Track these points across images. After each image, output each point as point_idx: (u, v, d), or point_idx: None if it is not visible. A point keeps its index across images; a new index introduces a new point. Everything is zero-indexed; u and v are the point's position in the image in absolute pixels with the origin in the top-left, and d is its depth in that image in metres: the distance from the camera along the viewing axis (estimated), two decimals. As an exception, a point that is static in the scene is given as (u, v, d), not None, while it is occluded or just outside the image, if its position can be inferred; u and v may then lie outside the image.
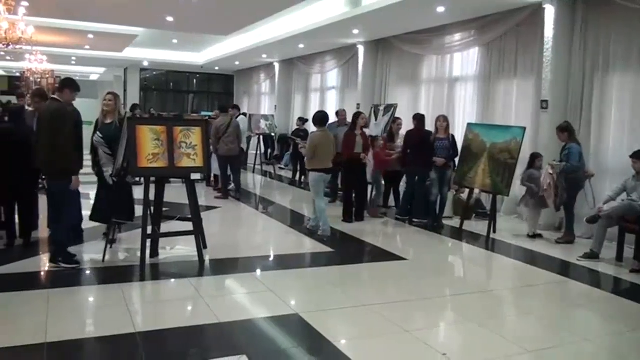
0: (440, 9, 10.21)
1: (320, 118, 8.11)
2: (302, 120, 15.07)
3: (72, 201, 6.19)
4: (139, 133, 5.96)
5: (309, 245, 7.54)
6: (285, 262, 6.86)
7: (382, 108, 11.61)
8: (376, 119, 11.49)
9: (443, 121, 8.93)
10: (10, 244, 6.66)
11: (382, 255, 7.17)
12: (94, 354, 4.26)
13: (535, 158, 8.29)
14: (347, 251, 7.53)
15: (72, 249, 6.48)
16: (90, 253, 6.67)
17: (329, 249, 7.32)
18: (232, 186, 11.28)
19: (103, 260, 6.22)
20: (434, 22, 11.37)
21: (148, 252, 6.11)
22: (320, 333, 4.42)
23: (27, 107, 8.75)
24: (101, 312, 5.02)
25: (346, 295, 5.56)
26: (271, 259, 7.09)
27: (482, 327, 4.75)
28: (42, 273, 5.94)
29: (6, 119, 7.13)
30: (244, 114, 15.67)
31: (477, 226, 8.88)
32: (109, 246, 6.45)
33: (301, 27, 13.55)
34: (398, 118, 10.52)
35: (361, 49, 14.46)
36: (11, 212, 6.73)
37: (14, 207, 6.70)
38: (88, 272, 6.08)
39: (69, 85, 6.06)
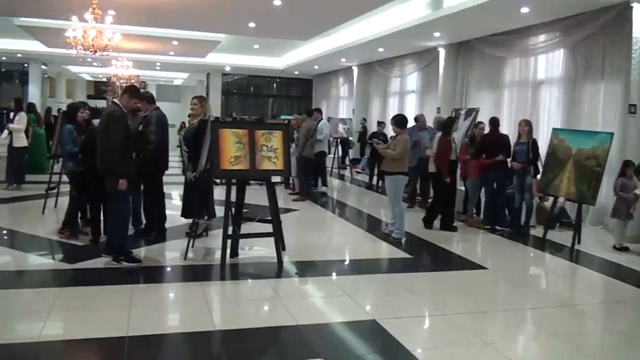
0: (524, 10, 9.93)
1: (405, 121, 8.04)
2: (381, 124, 15.03)
3: (124, 202, 6.29)
4: (222, 136, 6.11)
5: (387, 251, 7.49)
6: (363, 266, 6.84)
7: (463, 112, 11.40)
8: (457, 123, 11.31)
9: (524, 125, 8.68)
10: (95, 241, 6.95)
11: (461, 264, 7.03)
12: (173, 349, 4.37)
13: (626, 166, 7.89)
14: (425, 258, 7.44)
15: (155, 247, 6.75)
16: (173, 251, 6.91)
17: (407, 255, 7.24)
18: (324, 188, 11.48)
19: (185, 258, 6.41)
20: (518, 23, 11.08)
21: (228, 252, 6.23)
22: (398, 340, 4.37)
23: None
24: (182, 309, 5.19)
25: (424, 303, 5.49)
26: (348, 263, 7.10)
27: (564, 344, 4.57)
28: (125, 269, 6.14)
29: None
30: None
31: (561, 236, 8.53)
32: (190, 245, 6.63)
33: (381, 31, 13.51)
34: (480, 122, 10.29)
35: (442, 52, 14.27)
36: (97, 211, 7.03)
37: (99, 206, 6.98)
38: (170, 269, 6.31)
39: (129, 91, 6.31)
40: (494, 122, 9.04)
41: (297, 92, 27.98)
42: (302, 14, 12.58)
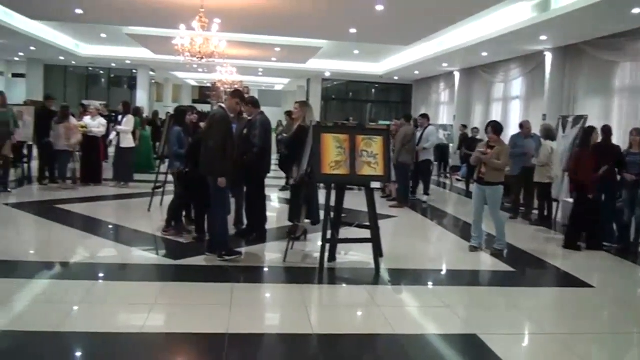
0: (636, 11, 9.35)
1: (502, 127, 7.71)
2: (475, 130, 14.65)
3: (223, 201, 6.47)
4: (323, 141, 6.13)
5: (488, 263, 7.23)
6: (461, 277, 6.64)
7: (570, 119, 10.88)
8: (564, 131, 10.80)
9: (636, 135, 8.13)
10: (199, 239, 7.17)
11: (566, 280, 6.67)
12: (271, 349, 4.43)
13: None
14: (528, 272, 7.12)
15: (256, 247, 6.87)
16: (273, 252, 7.02)
17: (509, 268, 6.95)
18: (426, 197, 11.36)
19: (284, 260, 6.48)
20: (630, 24, 10.46)
21: (326, 256, 6.24)
22: (500, 358, 4.18)
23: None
24: (280, 310, 5.24)
25: (527, 319, 5.24)
26: (447, 273, 6.91)
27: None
28: (227, 267, 6.27)
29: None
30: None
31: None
32: (290, 247, 6.70)
33: (485, 34, 13.17)
34: (591, 128, 9.73)
35: (548, 56, 13.72)
36: (202, 210, 7.24)
37: (204, 205, 7.19)
38: (270, 270, 6.40)
39: (234, 95, 6.58)
40: (607, 131, 8.48)
41: (396, 97, 27.81)
42: (404, 19, 12.48)
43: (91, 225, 8.15)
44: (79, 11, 13.71)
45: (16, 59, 25.57)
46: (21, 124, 11.07)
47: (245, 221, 7.71)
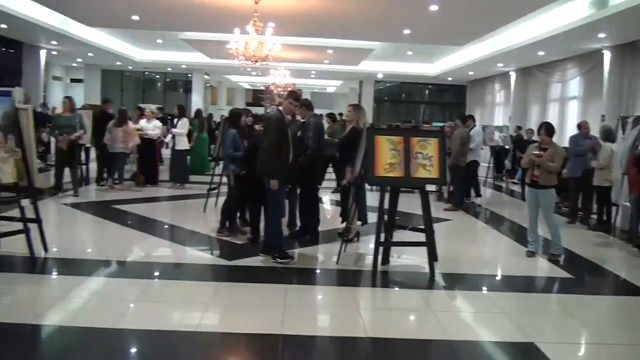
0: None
1: (555, 130, 7.49)
2: (530, 132, 14.30)
3: (278, 203, 6.50)
4: (377, 143, 6.09)
5: (545, 268, 7.02)
6: (518, 283, 6.44)
7: (630, 120, 10.48)
8: (624, 133, 10.43)
9: None
10: (254, 240, 7.24)
11: (627, 288, 6.40)
12: (325, 352, 4.43)
13: None
14: (587, 279, 6.89)
15: (309, 249, 6.88)
16: (326, 254, 7.03)
17: (567, 275, 6.73)
18: (477, 199, 11.17)
19: (337, 263, 6.47)
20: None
21: (380, 259, 6.19)
22: (560, 367, 4.06)
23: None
24: (334, 313, 5.23)
25: (586, 329, 5.08)
26: (502, 278, 6.74)
27: None
28: (281, 269, 6.30)
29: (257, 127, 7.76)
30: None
31: None
32: (343, 250, 6.68)
33: (541, 33, 12.89)
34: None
35: (607, 55, 13.31)
36: (257, 212, 7.30)
37: (260, 207, 7.26)
38: (323, 272, 6.40)
39: (290, 96, 6.63)
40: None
41: (450, 98, 27.51)
42: (459, 19, 12.33)
43: (148, 225, 8.34)
44: (135, 18, 14.09)
45: (74, 65, 26.47)
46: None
47: (298, 223, 7.74)
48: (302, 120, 7.51)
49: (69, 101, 10.34)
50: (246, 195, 7.41)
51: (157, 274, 6.07)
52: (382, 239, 6.20)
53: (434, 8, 11.17)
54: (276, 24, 12.92)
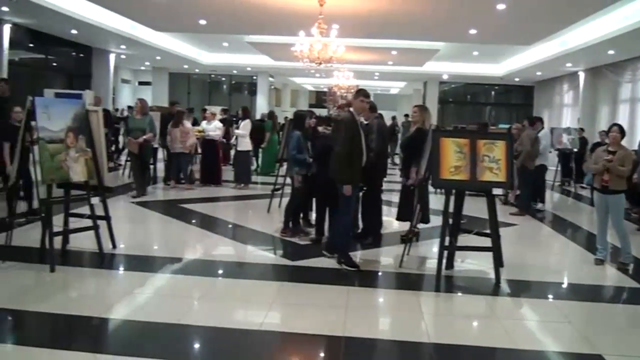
0: None
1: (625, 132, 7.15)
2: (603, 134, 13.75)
3: (349, 208, 6.38)
4: (442, 145, 5.99)
5: (614, 277, 6.69)
6: (584, 292, 6.17)
7: None
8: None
9: None
10: (317, 241, 7.29)
11: None
12: (387, 355, 4.39)
13: None
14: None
15: (370, 251, 6.83)
16: (388, 257, 6.98)
17: (637, 285, 6.39)
18: (540, 205, 10.84)
19: (400, 266, 6.39)
20: None
21: (444, 263, 6.08)
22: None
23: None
24: (396, 316, 5.16)
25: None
26: (569, 286, 6.49)
27: None
28: (343, 270, 6.29)
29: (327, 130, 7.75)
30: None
31: None
32: (405, 252, 6.60)
33: (612, 31, 12.39)
34: None
35: (682, 53, 12.69)
36: (322, 213, 7.34)
37: (325, 208, 7.28)
38: (386, 275, 6.33)
39: (359, 94, 6.45)
40: None
41: (517, 99, 26.86)
42: (526, 18, 12.01)
43: (212, 224, 8.50)
44: (202, 22, 14.38)
45: (142, 67, 27.30)
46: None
47: (360, 225, 7.69)
48: (365, 122, 7.48)
49: (140, 103, 10.56)
50: (310, 196, 7.45)
51: (220, 272, 6.18)
52: (447, 242, 6.09)
53: (500, 7, 10.92)
54: (340, 26, 12.92)
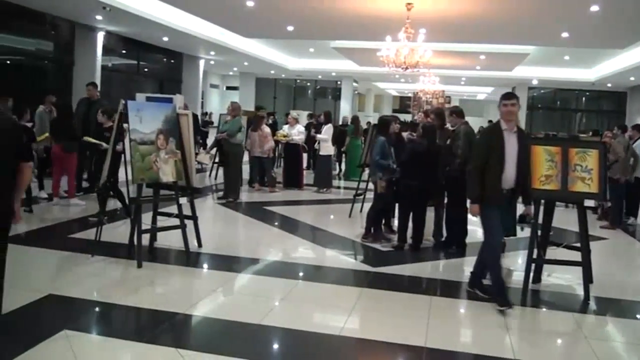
0: None
1: None
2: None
3: (492, 230, 5.46)
4: (533, 153, 5.76)
5: None
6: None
7: None
8: None
9: None
10: (400, 247, 7.21)
11: None
12: (471, 370, 4.25)
13: None
14: None
15: (454, 261, 6.77)
16: (471, 266, 6.76)
17: None
18: (632, 219, 10.24)
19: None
20: None
21: (531, 276, 5.85)
22: None
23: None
24: (479, 329, 5.00)
25: None
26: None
27: None
28: (426, 278, 6.22)
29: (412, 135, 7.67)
30: None
31: None
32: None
33: None
34: None
35: None
36: (405, 220, 7.26)
37: (408, 215, 7.21)
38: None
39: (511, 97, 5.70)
40: None
41: (608, 106, 25.74)
42: (621, 20, 11.44)
43: (294, 227, 8.60)
44: (290, 28, 14.59)
45: (230, 73, 28.05)
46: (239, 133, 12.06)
47: (444, 232, 7.54)
48: (452, 128, 7.34)
49: (231, 106, 10.73)
50: (393, 202, 7.40)
51: (301, 274, 6.21)
52: (534, 255, 5.84)
53: (594, 8, 10.45)
54: (427, 30, 12.75)
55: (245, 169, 12.88)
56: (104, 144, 8.15)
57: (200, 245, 6.82)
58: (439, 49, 15.99)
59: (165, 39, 16.89)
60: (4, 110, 7.93)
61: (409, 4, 10.83)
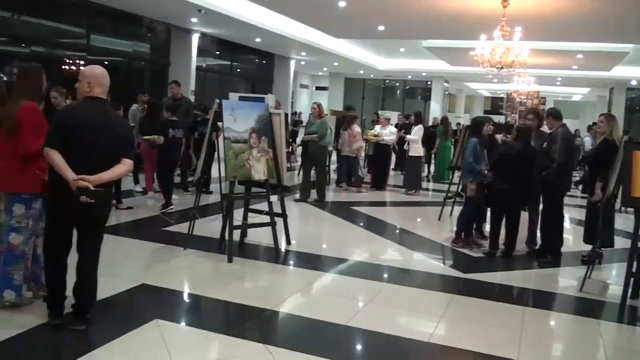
0: None
1: None
2: None
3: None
4: (636, 160, 5.43)
5: None
6: None
7: None
8: None
9: None
10: (492, 254, 6.98)
11: None
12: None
13: None
14: None
15: (548, 271, 6.56)
16: (567, 278, 6.55)
17: None
18: None
19: (581, 290, 5.90)
20: None
21: (630, 292, 5.49)
22: None
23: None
24: (574, 345, 4.78)
25: None
26: None
27: None
28: (518, 288, 6.02)
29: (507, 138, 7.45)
30: None
31: None
32: (588, 275, 6.08)
33: None
34: None
35: None
36: (498, 226, 7.03)
37: (500, 221, 6.99)
38: (564, 298, 5.87)
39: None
40: None
41: None
42: None
43: (381, 228, 8.54)
44: (381, 28, 14.51)
45: (320, 73, 28.27)
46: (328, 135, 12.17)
47: (539, 241, 7.25)
48: (549, 131, 7.06)
49: (318, 107, 10.72)
50: (485, 207, 7.20)
51: (389, 277, 6.16)
52: (634, 268, 5.49)
53: None
54: (523, 28, 12.32)
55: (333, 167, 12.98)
56: (154, 138, 8.61)
57: (289, 243, 6.91)
58: (535, 48, 15.44)
59: (258, 40, 17.21)
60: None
61: (504, 1, 10.49)
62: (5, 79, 5.96)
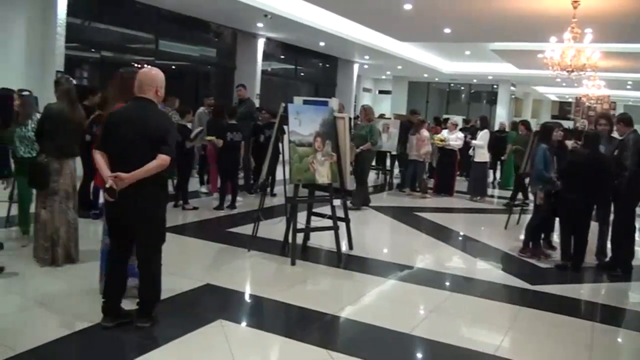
0: None
1: None
2: None
3: None
4: None
5: None
6: None
7: None
8: None
9: None
10: (563, 267, 6.73)
11: None
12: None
13: None
14: None
15: (618, 285, 6.33)
16: (637, 292, 6.24)
17: None
18: None
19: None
20: None
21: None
22: None
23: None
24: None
25: None
26: None
27: None
28: (587, 302, 5.80)
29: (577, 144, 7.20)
30: None
31: None
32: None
33: None
34: None
35: None
36: (567, 237, 6.77)
37: (570, 232, 6.73)
38: (636, 314, 5.59)
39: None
40: None
41: None
42: None
43: (444, 235, 8.40)
44: (447, 30, 14.32)
45: (383, 77, 28.14)
46: (385, 136, 12.21)
47: (609, 253, 6.95)
48: (620, 137, 6.76)
49: (364, 110, 10.39)
50: (554, 216, 6.95)
51: (452, 285, 6.02)
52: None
53: None
54: (594, 30, 11.89)
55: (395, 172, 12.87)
56: (213, 140, 8.82)
57: (351, 247, 6.86)
58: (605, 50, 14.89)
59: (322, 44, 17.29)
60: (171, 108, 8.81)
61: (575, 1, 10.15)
62: (74, 82, 6.14)
